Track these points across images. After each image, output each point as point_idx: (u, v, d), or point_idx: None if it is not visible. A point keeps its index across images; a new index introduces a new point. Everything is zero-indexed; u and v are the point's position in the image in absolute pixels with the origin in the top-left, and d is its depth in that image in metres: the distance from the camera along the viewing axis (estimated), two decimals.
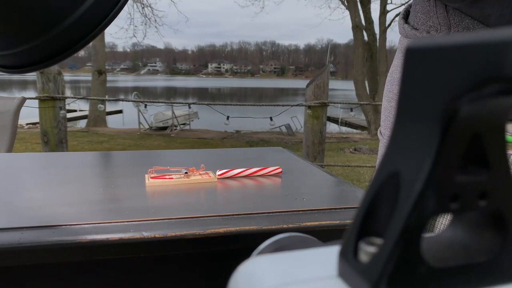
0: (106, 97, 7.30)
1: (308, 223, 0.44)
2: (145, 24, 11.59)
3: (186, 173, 0.59)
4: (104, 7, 0.35)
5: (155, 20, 11.65)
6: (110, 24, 0.36)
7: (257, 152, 0.80)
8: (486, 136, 0.13)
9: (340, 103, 5.21)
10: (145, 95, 27.54)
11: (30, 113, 4.01)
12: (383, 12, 10.84)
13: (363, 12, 10.34)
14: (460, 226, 0.15)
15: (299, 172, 0.65)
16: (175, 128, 8.70)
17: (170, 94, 35.53)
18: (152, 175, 0.58)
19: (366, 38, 10.49)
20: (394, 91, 0.60)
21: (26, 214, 0.44)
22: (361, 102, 7.52)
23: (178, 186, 0.56)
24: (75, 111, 12.20)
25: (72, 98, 4.48)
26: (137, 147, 5.83)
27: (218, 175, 0.60)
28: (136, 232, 0.40)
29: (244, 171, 0.61)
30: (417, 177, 0.13)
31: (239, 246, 0.42)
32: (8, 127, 1.51)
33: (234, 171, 0.61)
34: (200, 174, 0.60)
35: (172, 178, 0.57)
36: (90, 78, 9.44)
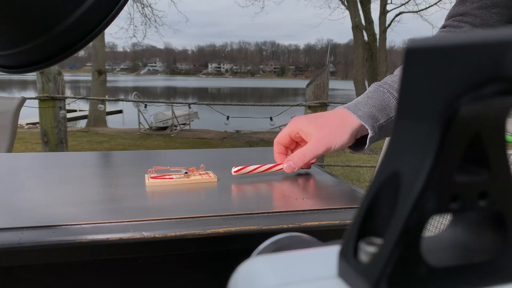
0: (106, 97, 7.30)
1: (308, 223, 0.44)
2: (145, 24, 11.60)
3: (186, 173, 0.59)
4: (104, 7, 0.35)
5: (155, 20, 11.65)
6: (110, 24, 0.36)
7: (257, 152, 0.80)
8: (486, 136, 0.13)
9: (340, 103, 5.21)
10: (145, 95, 27.53)
11: (30, 113, 4.01)
12: (383, 12, 10.84)
13: (363, 12, 10.34)
14: (460, 226, 0.15)
15: (299, 172, 0.65)
16: (175, 128, 8.70)
17: (170, 94, 35.51)
18: (152, 175, 0.58)
19: (366, 38, 10.49)
20: None
21: (26, 214, 0.44)
22: None
23: (178, 186, 0.56)
24: (75, 111, 12.20)
25: (72, 98, 4.48)
26: (137, 147, 5.83)
27: (234, 171, 0.60)
28: (136, 232, 0.40)
29: (259, 167, 0.61)
30: (417, 177, 0.13)
31: (239, 246, 0.42)
32: (8, 127, 1.51)
33: (250, 167, 0.61)
34: (200, 174, 0.60)
35: (172, 178, 0.57)
36: (90, 78, 9.43)
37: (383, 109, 0.62)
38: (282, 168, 0.61)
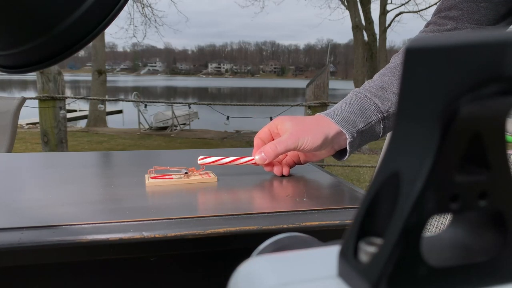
0: (106, 97, 7.31)
1: (308, 223, 0.44)
2: (145, 24, 11.60)
3: (186, 173, 0.59)
4: (104, 7, 0.35)
5: (155, 20, 11.66)
6: (110, 24, 0.36)
7: None
8: (486, 136, 0.13)
9: None
10: (145, 95, 27.53)
11: (30, 113, 4.01)
12: (383, 12, 10.85)
13: (363, 12, 10.34)
14: (460, 226, 0.15)
15: (299, 172, 0.65)
16: (175, 128, 8.70)
17: (170, 94, 35.51)
18: (152, 175, 0.58)
19: (366, 38, 10.50)
20: None
21: (26, 214, 0.44)
22: None
23: (178, 186, 0.56)
24: (75, 111, 12.20)
25: (72, 98, 4.48)
26: (137, 147, 5.83)
27: (200, 159, 0.61)
28: (136, 232, 0.40)
29: (230, 159, 0.62)
30: (417, 177, 0.13)
31: (239, 246, 0.42)
32: (8, 127, 1.51)
33: (216, 157, 0.62)
34: (200, 174, 0.60)
35: (172, 178, 0.57)
36: (90, 78, 9.44)
37: (361, 114, 0.62)
38: (255, 162, 0.61)
